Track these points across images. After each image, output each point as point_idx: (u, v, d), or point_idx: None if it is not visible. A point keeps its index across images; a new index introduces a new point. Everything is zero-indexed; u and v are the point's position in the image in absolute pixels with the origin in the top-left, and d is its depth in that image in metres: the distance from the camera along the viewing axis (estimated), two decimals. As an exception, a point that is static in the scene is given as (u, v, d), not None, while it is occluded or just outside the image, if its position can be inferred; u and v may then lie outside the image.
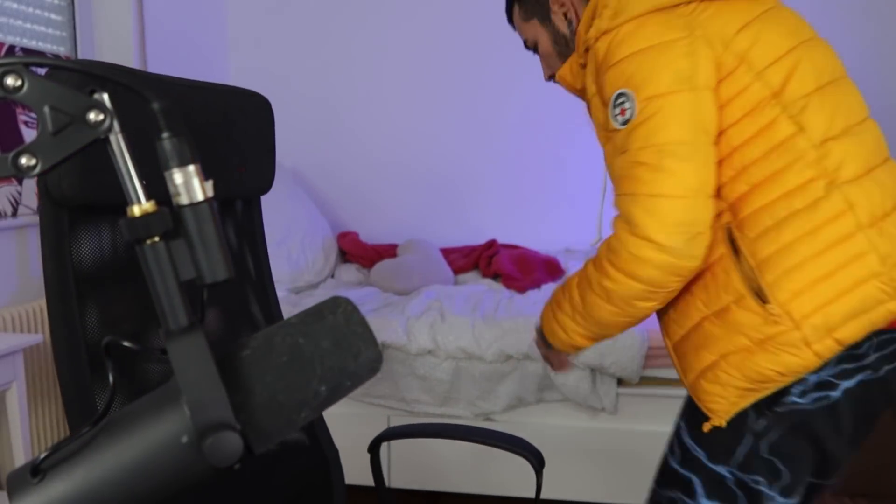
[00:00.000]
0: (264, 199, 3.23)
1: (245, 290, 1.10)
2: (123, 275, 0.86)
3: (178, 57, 3.26)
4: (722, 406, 1.08)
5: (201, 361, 0.39)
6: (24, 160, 0.42)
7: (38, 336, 1.93)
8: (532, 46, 1.36)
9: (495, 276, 3.05)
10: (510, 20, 1.38)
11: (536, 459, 1.33)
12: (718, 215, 1.07)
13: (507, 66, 3.63)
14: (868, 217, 1.02)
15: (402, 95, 3.70)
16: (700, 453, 1.12)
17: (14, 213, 2.38)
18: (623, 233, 1.06)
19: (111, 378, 0.43)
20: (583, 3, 1.25)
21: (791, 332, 1.00)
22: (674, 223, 1.01)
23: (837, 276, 1.00)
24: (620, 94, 1.07)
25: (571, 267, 3.12)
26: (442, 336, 2.25)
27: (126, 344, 0.42)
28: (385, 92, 3.71)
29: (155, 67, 3.02)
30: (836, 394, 1.05)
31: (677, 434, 1.17)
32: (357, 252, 3.30)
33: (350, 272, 3.22)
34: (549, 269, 3.03)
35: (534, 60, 3.60)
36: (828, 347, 1.01)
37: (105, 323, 0.83)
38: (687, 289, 1.11)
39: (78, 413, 0.76)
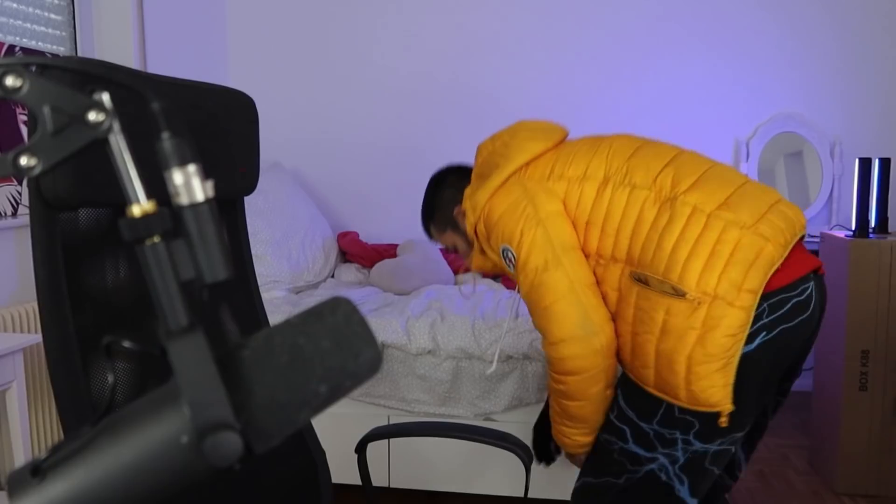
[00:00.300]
0: (265, 199, 3.23)
1: (231, 292, 1.10)
2: (116, 276, 0.86)
3: (177, 57, 3.25)
4: (719, 393, 1.29)
5: (201, 361, 0.39)
6: (24, 160, 0.42)
7: (38, 336, 1.93)
8: (452, 248, 1.75)
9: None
10: (429, 235, 1.79)
11: (525, 454, 1.33)
12: (621, 272, 1.38)
13: (506, 66, 3.63)
14: (713, 205, 1.32)
15: (402, 95, 3.70)
16: (631, 413, 1.40)
17: (14, 213, 2.38)
18: (544, 346, 1.40)
19: (111, 378, 0.43)
20: None
21: (714, 303, 1.27)
22: (564, 319, 1.35)
23: (717, 250, 1.29)
24: (504, 250, 1.46)
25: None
26: (442, 336, 2.25)
27: (126, 344, 0.42)
28: (385, 92, 3.71)
29: (155, 67, 3.02)
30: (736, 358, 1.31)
31: (615, 399, 1.45)
32: (357, 252, 3.30)
33: (350, 272, 3.22)
34: (549, 269, 3.03)
35: (532, 62, 3.61)
36: (746, 300, 1.27)
37: (98, 325, 0.82)
38: (632, 336, 1.36)
39: (72, 416, 0.75)
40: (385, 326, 2.31)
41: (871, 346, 2.40)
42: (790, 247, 1.32)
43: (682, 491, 1.38)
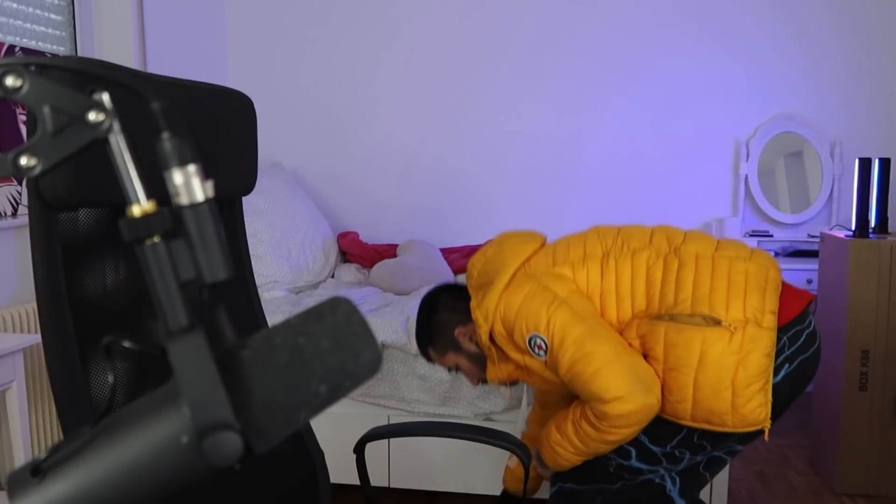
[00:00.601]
0: (265, 199, 3.23)
1: (228, 292, 1.09)
2: (116, 276, 0.86)
3: (177, 57, 3.25)
4: (763, 410, 1.38)
5: (201, 361, 0.39)
6: (24, 160, 0.42)
7: (38, 336, 1.93)
8: (454, 368, 1.73)
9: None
10: (428, 359, 1.75)
11: (524, 453, 1.33)
12: (639, 322, 1.45)
13: (506, 67, 3.63)
14: (711, 250, 1.48)
15: (402, 96, 3.70)
16: (643, 437, 1.46)
17: (14, 213, 2.38)
18: (599, 405, 1.38)
19: (111, 378, 0.43)
20: (475, 326, 1.62)
21: (748, 327, 1.37)
22: (618, 377, 1.36)
23: (733, 281, 1.41)
24: (531, 338, 1.47)
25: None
26: (442, 336, 2.25)
27: (126, 344, 0.42)
28: (385, 92, 3.71)
29: (155, 67, 3.02)
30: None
31: None
32: (357, 252, 3.30)
33: (350, 272, 3.22)
34: (549, 269, 3.03)
35: (533, 63, 3.60)
36: (770, 321, 1.38)
37: (98, 325, 0.82)
38: (664, 373, 1.41)
39: (72, 417, 0.75)
40: (385, 326, 2.31)
41: (871, 346, 2.40)
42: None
43: (673, 491, 1.47)
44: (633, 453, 1.47)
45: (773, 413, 1.39)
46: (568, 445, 1.50)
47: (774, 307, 1.39)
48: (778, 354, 1.40)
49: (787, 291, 1.46)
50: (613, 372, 1.36)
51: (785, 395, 1.42)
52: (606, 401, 1.36)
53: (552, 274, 1.50)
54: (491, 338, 1.57)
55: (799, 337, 1.42)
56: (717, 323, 1.37)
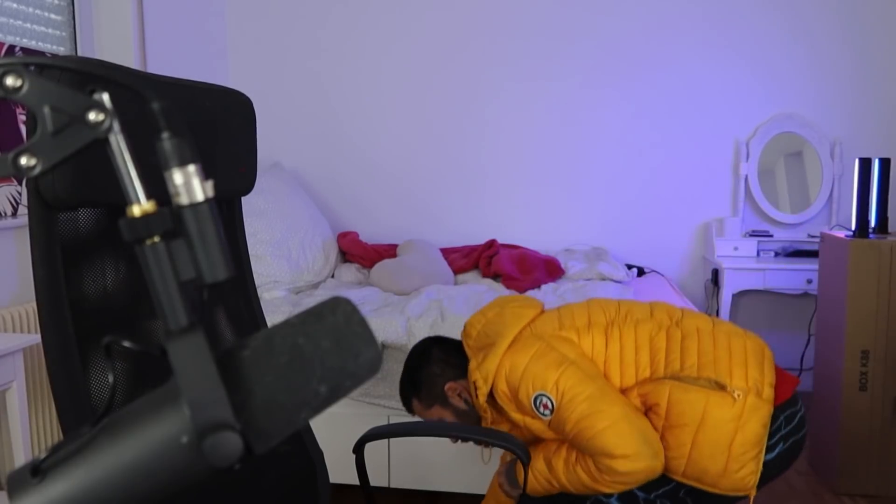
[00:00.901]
0: (265, 199, 3.22)
1: (228, 292, 1.09)
2: (115, 276, 0.86)
3: (177, 57, 3.25)
4: (753, 478, 1.44)
5: (201, 361, 0.39)
6: (24, 160, 0.42)
7: (38, 336, 1.93)
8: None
9: (495, 276, 3.05)
10: (410, 410, 1.74)
11: (524, 453, 1.33)
12: (663, 379, 1.48)
13: (507, 68, 3.63)
14: (710, 326, 1.55)
15: (401, 96, 3.70)
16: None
17: (14, 213, 2.38)
18: (605, 460, 1.40)
19: (111, 378, 0.43)
20: (467, 383, 1.64)
21: (749, 397, 1.43)
22: (628, 436, 1.38)
23: (734, 353, 1.48)
24: (536, 397, 1.47)
25: (571, 267, 3.12)
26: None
27: (126, 344, 0.42)
28: (385, 92, 3.71)
29: (155, 67, 3.02)
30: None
31: None
32: (357, 252, 3.30)
33: (350, 272, 3.22)
34: (548, 268, 3.03)
35: (531, 64, 3.61)
36: (768, 393, 1.44)
37: (98, 325, 0.82)
38: (663, 430, 1.45)
39: (71, 417, 0.75)
40: (385, 326, 2.31)
41: (871, 346, 2.40)
42: None
43: None
44: (615, 495, 1.51)
45: (758, 483, 1.46)
46: (552, 479, 1.51)
47: (772, 381, 1.46)
48: (775, 433, 1.46)
49: (779, 372, 1.54)
50: (624, 431, 1.38)
51: (774, 471, 1.49)
52: (615, 457, 1.38)
53: (559, 336, 1.52)
54: (490, 397, 1.57)
55: (793, 418, 1.49)
56: (723, 388, 1.43)
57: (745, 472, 1.42)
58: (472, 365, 1.58)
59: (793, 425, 1.49)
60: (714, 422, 1.41)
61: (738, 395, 1.42)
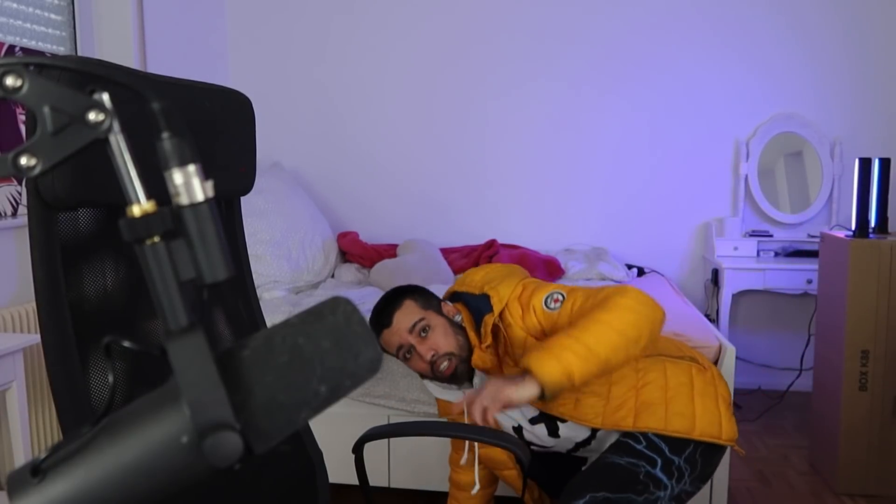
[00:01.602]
0: (265, 199, 3.22)
1: (227, 292, 1.09)
2: (115, 276, 0.86)
3: (177, 57, 3.25)
4: (735, 426, 1.64)
5: (201, 361, 0.39)
6: (24, 160, 0.42)
7: (38, 336, 1.93)
8: (422, 329, 1.63)
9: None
10: (392, 315, 1.65)
11: (523, 453, 1.33)
12: (656, 359, 1.68)
13: (506, 68, 3.63)
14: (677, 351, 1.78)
15: (401, 96, 3.70)
16: (664, 446, 1.58)
17: (14, 213, 2.38)
18: (614, 298, 1.49)
19: (111, 378, 0.43)
20: (462, 310, 1.71)
21: (712, 369, 1.71)
22: (634, 290, 1.52)
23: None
24: (548, 296, 1.59)
25: (571, 267, 3.12)
26: (442, 336, 2.25)
27: (126, 344, 0.42)
28: (385, 92, 3.71)
29: (155, 67, 3.02)
30: None
31: (646, 435, 1.61)
32: (357, 252, 3.30)
33: (350, 272, 3.22)
34: (549, 268, 3.03)
35: (532, 65, 3.60)
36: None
37: (97, 326, 0.82)
38: (665, 391, 1.63)
39: (71, 418, 0.75)
40: (385, 326, 2.31)
41: (871, 346, 2.40)
42: None
43: None
44: (659, 463, 1.57)
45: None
46: (578, 347, 1.39)
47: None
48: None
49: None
50: (626, 292, 1.51)
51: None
52: (624, 295, 1.48)
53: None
54: (493, 326, 1.61)
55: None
56: (696, 361, 1.70)
57: (733, 422, 1.64)
58: (488, 287, 1.64)
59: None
60: (701, 385, 1.64)
61: (707, 368, 1.69)
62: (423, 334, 1.63)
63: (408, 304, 1.66)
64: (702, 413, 1.60)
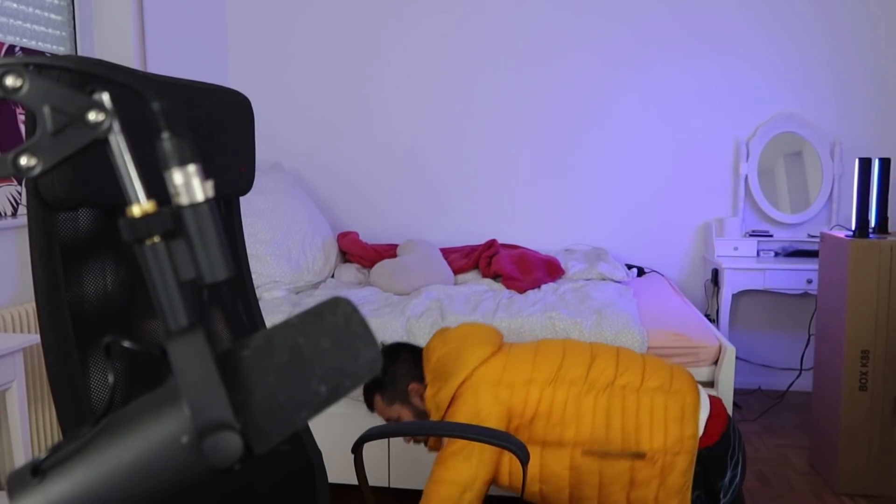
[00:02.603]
0: (265, 199, 3.22)
1: (226, 292, 1.09)
2: (115, 276, 0.86)
3: (177, 57, 3.25)
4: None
5: (201, 361, 0.39)
6: (24, 160, 0.42)
7: (38, 336, 1.93)
8: (395, 420, 1.87)
9: (495, 277, 3.05)
10: (370, 406, 1.90)
11: (522, 452, 1.33)
12: (571, 454, 1.71)
13: (507, 69, 3.63)
14: (638, 382, 1.76)
15: (401, 96, 3.70)
16: None
17: (14, 213, 2.38)
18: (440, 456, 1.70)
19: (111, 378, 0.43)
20: (424, 389, 1.84)
21: (667, 456, 1.67)
22: (455, 470, 1.69)
23: (654, 416, 1.70)
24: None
25: (571, 267, 3.12)
26: (442, 336, 2.24)
27: (126, 344, 0.42)
28: (385, 93, 3.71)
29: (155, 67, 3.02)
30: None
31: None
32: (357, 252, 3.30)
33: (350, 272, 3.22)
34: (548, 268, 3.03)
35: (533, 66, 3.60)
36: (689, 445, 1.68)
37: (97, 326, 0.82)
38: (599, 497, 1.70)
39: (71, 418, 0.75)
40: (385, 326, 2.31)
41: (871, 346, 2.40)
42: (699, 389, 1.75)
43: None
44: None
45: None
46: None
47: (693, 432, 1.67)
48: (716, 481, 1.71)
49: (713, 413, 1.73)
50: (457, 466, 1.64)
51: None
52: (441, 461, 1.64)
53: (493, 394, 1.73)
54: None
55: (720, 459, 1.70)
56: (643, 457, 1.67)
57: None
58: (429, 392, 1.80)
59: (716, 469, 1.70)
60: (641, 481, 1.67)
61: (657, 458, 1.66)
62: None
63: (377, 403, 1.89)
64: None
